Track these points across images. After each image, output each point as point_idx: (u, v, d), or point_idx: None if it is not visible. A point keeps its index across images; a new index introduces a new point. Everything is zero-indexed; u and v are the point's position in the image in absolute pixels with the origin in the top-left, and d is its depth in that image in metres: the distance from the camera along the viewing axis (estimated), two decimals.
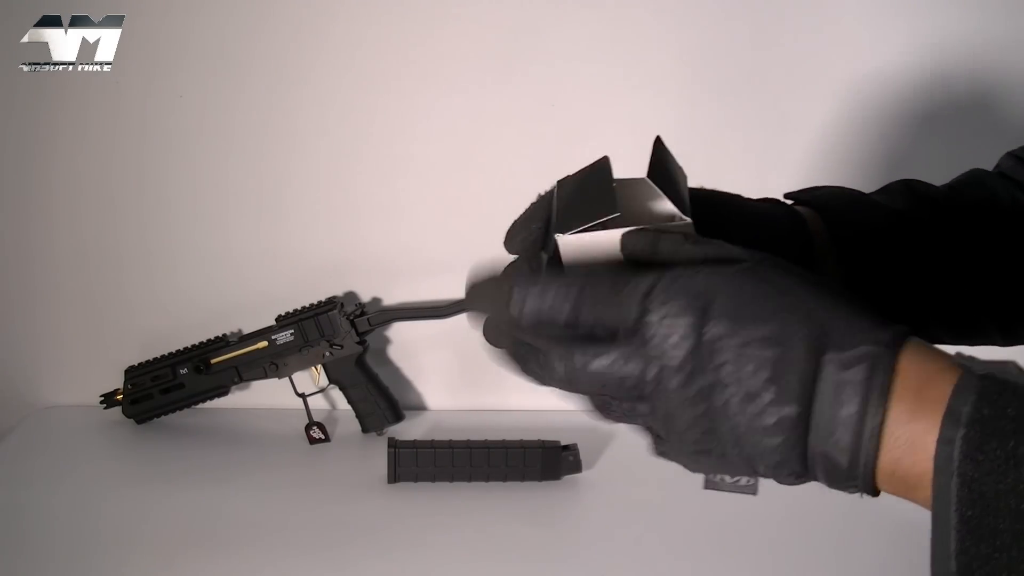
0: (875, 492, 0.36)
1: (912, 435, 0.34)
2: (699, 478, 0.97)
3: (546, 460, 0.98)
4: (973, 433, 0.33)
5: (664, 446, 0.40)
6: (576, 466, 0.98)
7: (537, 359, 0.41)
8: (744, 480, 0.40)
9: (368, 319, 1.09)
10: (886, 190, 0.55)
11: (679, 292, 0.37)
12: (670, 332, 0.36)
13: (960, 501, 0.33)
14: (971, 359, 0.35)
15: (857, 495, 0.37)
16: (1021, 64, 1.02)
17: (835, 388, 0.35)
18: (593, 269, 0.39)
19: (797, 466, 0.36)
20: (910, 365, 0.35)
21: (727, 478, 0.40)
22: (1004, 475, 0.32)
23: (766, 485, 0.89)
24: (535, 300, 0.40)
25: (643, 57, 1.03)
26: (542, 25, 1.02)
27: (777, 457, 0.36)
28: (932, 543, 0.34)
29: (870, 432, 0.34)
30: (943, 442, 0.33)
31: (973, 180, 0.57)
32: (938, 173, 1.03)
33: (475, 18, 1.02)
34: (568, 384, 0.39)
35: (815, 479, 0.37)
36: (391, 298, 1.14)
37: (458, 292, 1.08)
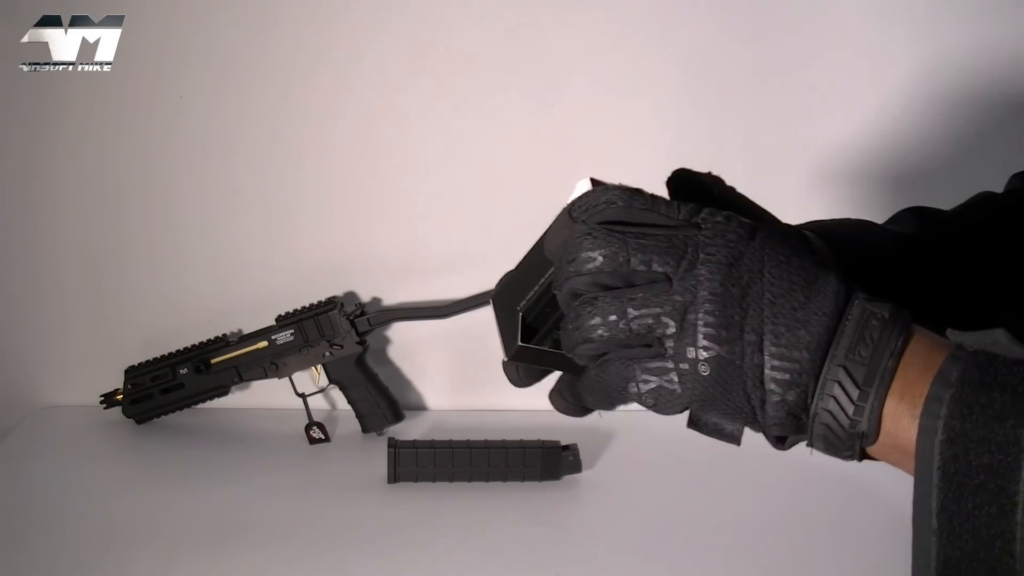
0: (876, 427, 0.36)
1: (927, 372, 0.35)
2: (700, 479, 0.97)
3: (546, 460, 0.98)
4: (962, 392, 0.34)
5: (659, 361, 0.38)
6: (576, 466, 0.98)
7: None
8: (729, 427, 0.39)
9: (368, 319, 1.09)
10: (894, 219, 0.55)
11: (728, 215, 0.39)
12: (725, 225, 0.38)
13: (944, 458, 0.34)
14: (963, 333, 0.36)
15: (847, 457, 0.38)
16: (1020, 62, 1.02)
17: (861, 314, 0.37)
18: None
19: (812, 380, 0.37)
20: (919, 330, 0.37)
21: (711, 421, 0.39)
22: (990, 430, 0.33)
23: (766, 485, 0.89)
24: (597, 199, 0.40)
25: (643, 58, 1.03)
26: (542, 26, 1.02)
27: (799, 361, 0.37)
28: (914, 501, 0.35)
29: (892, 348, 0.36)
30: (931, 400, 0.34)
31: (981, 200, 0.57)
32: (939, 173, 1.03)
33: (476, 19, 1.02)
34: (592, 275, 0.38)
35: (805, 431, 0.38)
36: (391, 298, 1.14)
37: (458, 292, 1.09)
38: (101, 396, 1.13)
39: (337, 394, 1.15)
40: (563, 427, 1.01)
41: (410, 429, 1.11)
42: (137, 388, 1.12)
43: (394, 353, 1.17)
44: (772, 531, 0.90)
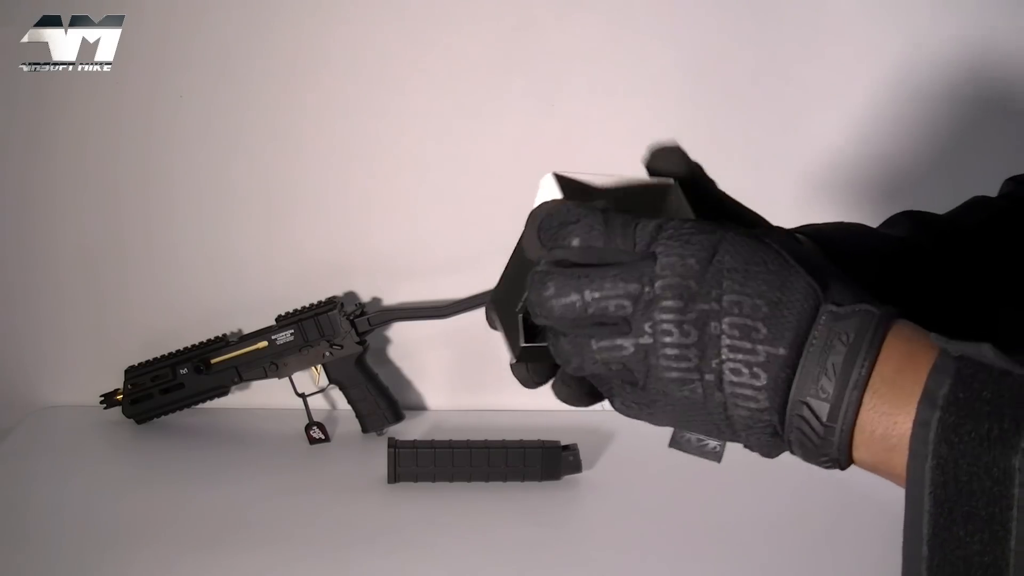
0: (848, 457, 0.36)
1: (895, 395, 0.35)
2: (699, 479, 0.97)
3: (546, 460, 0.98)
4: (948, 416, 0.33)
5: (633, 395, 0.39)
6: (576, 466, 0.98)
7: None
8: (711, 444, 0.39)
9: (368, 319, 1.09)
10: (889, 222, 0.54)
11: (692, 228, 0.37)
12: (682, 252, 0.37)
13: (935, 484, 0.33)
14: (947, 340, 0.35)
15: (827, 465, 0.37)
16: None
17: (827, 336, 0.35)
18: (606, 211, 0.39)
19: (775, 416, 0.36)
20: (900, 331, 0.36)
21: (694, 439, 0.40)
22: (978, 457, 0.32)
23: (765, 485, 0.89)
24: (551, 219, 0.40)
25: (643, 57, 1.03)
26: (542, 25, 1.02)
27: (758, 403, 0.36)
28: (905, 527, 0.34)
29: (855, 381, 0.35)
30: (919, 424, 0.33)
31: (976, 204, 0.56)
32: (938, 175, 1.03)
33: (475, 19, 1.02)
34: (560, 313, 0.38)
35: (788, 445, 0.37)
36: (391, 298, 1.14)
37: (458, 292, 1.09)
38: (101, 396, 1.13)
39: (337, 394, 1.15)
40: (563, 427, 1.02)
41: (410, 429, 1.11)
42: (137, 388, 1.12)
43: (394, 353, 1.17)
44: (771, 531, 0.90)
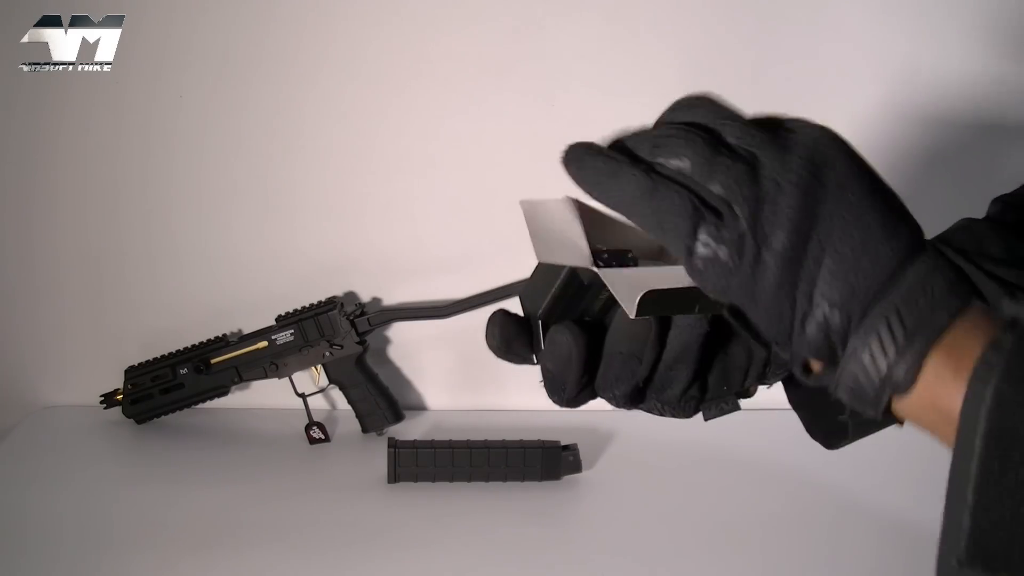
0: (910, 385, 0.35)
1: (972, 342, 0.34)
2: (700, 479, 0.97)
3: (546, 460, 0.98)
4: (1014, 361, 0.32)
5: (727, 231, 0.36)
6: (576, 466, 0.98)
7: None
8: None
9: (368, 319, 1.09)
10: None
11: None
12: (816, 132, 0.37)
13: (989, 426, 0.32)
14: (1019, 305, 0.35)
15: (874, 402, 0.35)
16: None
17: (930, 269, 0.35)
18: None
19: (846, 318, 0.35)
20: (979, 302, 0.36)
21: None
22: None
23: (765, 486, 0.89)
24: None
25: (643, 57, 1.03)
26: (542, 25, 1.02)
27: (841, 293, 0.35)
28: (951, 469, 0.33)
29: (948, 310, 0.34)
30: (982, 364, 0.33)
31: (960, 228, 0.56)
32: (943, 174, 1.03)
33: (475, 18, 1.02)
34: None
35: (836, 364, 0.36)
36: (391, 298, 1.14)
37: (458, 292, 1.09)
38: (101, 396, 1.13)
39: (337, 394, 1.16)
40: (563, 427, 1.02)
41: (410, 429, 1.11)
42: (137, 388, 1.12)
43: (394, 353, 1.17)
44: (771, 531, 0.90)
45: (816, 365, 0.38)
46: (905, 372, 0.34)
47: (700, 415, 0.44)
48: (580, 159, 0.40)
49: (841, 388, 0.36)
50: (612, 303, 0.42)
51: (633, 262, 0.41)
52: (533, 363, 0.44)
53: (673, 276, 0.38)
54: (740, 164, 0.36)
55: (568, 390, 0.43)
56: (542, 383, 0.44)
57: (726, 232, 0.36)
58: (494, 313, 0.44)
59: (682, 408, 0.43)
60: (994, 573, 0.31)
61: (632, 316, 0.37)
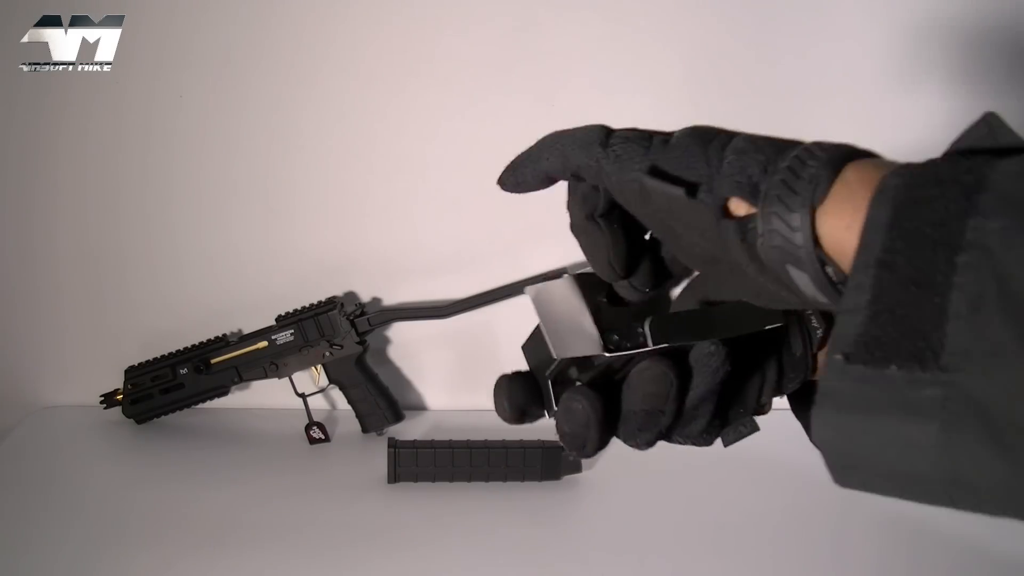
0: (826, 190, 0.33)
1: (878, 164, 0.33)
2: (700, 479, 0.97)
3: (546, 460, 0.98)
4: (928, 164, 0.30)
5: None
6: (576, 466, 0.98)
7: None
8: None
9: (368, 319, 1.09)
10: None
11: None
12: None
13: (896, 205, 0.30)
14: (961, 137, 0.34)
15: (799, 230, 0.33)
16: None
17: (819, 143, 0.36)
18: None
19: (760, 163, 0.35)
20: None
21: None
22: (949, 176, 0.29)
23: (765, 486, 0.89)
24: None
25: (644, 57, 1.03)
26: (542, 25, 1.02)
27: (749, 147, 0.37)
28: (851, 271, 0.30)
29: (843, 150, 0.34)
30: (894, 174, 0.31)
31: None
32: None
33: (476, 18, 1.02)
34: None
35: (758, 200, 0.35)
36: (391, 298, 1.14)
37: (458, 292, 1.09)
38: (101, 396, 1.13)
39: (337, 394, 1.16)
40: None
41: (410, 429, 1.11)
42: (137, 388, 1.12)
43: (394, 353, 1.17)
44: (771, 531, 0.90)
45: (739, 207, 0.36)
46: (820, 179, 0.33)
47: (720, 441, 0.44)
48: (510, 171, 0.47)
49: (766, 224, 0.34)
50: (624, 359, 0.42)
51: (644, 339, 0.40)
52: (547, 418, 0.43)
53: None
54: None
55: (588, 449, 0.41)
56: (559, 439, 0.43)
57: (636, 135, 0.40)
58: (498, 381, 0.43)
59: (703, 440, 0.43)
60: (883, 366, 0.28)
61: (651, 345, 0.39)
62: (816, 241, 0.32)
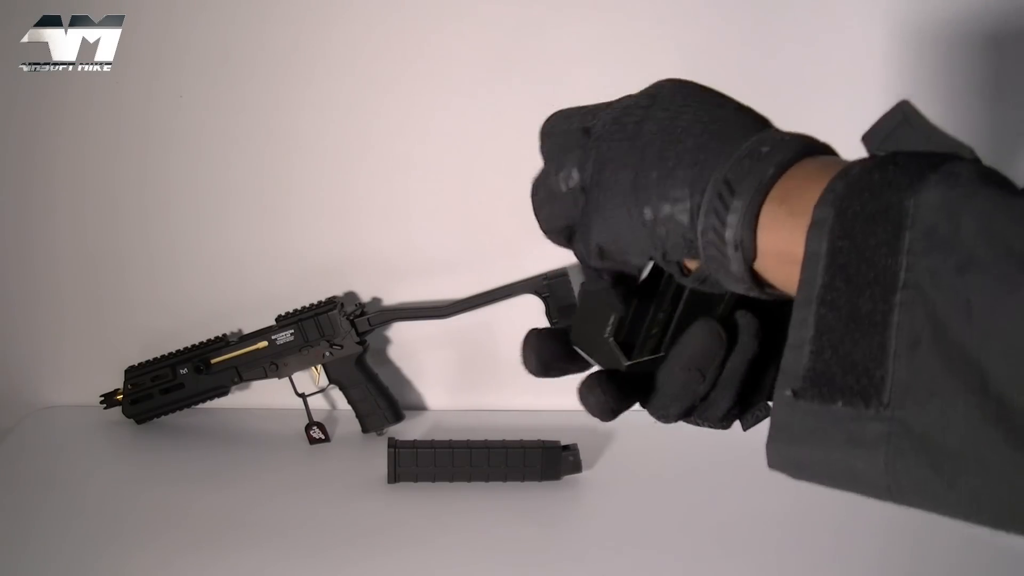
0: (752, 241, 0.33)
1: (811, 183, 0.33)
2: (700, 479, 0.97)
3: (546, 460, 0.98)
4: (856, 179, 0.31)
5: (588, 207, 0.40)
6: (576, 466, 0.98)
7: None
8: (635, 259, 0.39)
9: (368, 319, 1.09)
10: None
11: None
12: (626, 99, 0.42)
13: (833, 241, 0.30)
14: (875, 125, 0.34)
15: (737, 274, 0.34)
16: None
17: (760, 139, 0.35)
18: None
19: (698, 195, 0.35)
20: (829, 156, 0.36)
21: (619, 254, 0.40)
22: (879, 199, 0.30)
23: (766, 485, 0.88)
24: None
25: (644, 57, 1.03)
26: (543, 25, 1.02)
27: (669, 203, 0.36)
28: (795, 307, 0.31)
29: (776, 163, 0.34)
30: (828, 191, 0.31)
31: None
32: None
33: (475, 18, 1.02)
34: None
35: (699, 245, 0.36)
36: (391, 298, 1.14)
37: (458, 292, 1.09)
38: (101, 396, 1.13)
39: (337, 394, 1.16)
40: (563, 427, 1.02)
41: (410, 429, 1.11)
42: (137, 388, 1.12)
43: (394, 353, 1.17)
44: (771, 531, 0.90)
45: (691, 264, 0.37)
46: (741, 230, 0.34)
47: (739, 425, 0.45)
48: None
49: (709, 267, 0.36)
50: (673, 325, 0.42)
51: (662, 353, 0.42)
52: (574, 373, 0.44)
53: None
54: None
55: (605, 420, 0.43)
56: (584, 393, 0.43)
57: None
58: (528, 334, 0.45)
59: (722, 424, 0.43)
60: (830, 402, 0.30)
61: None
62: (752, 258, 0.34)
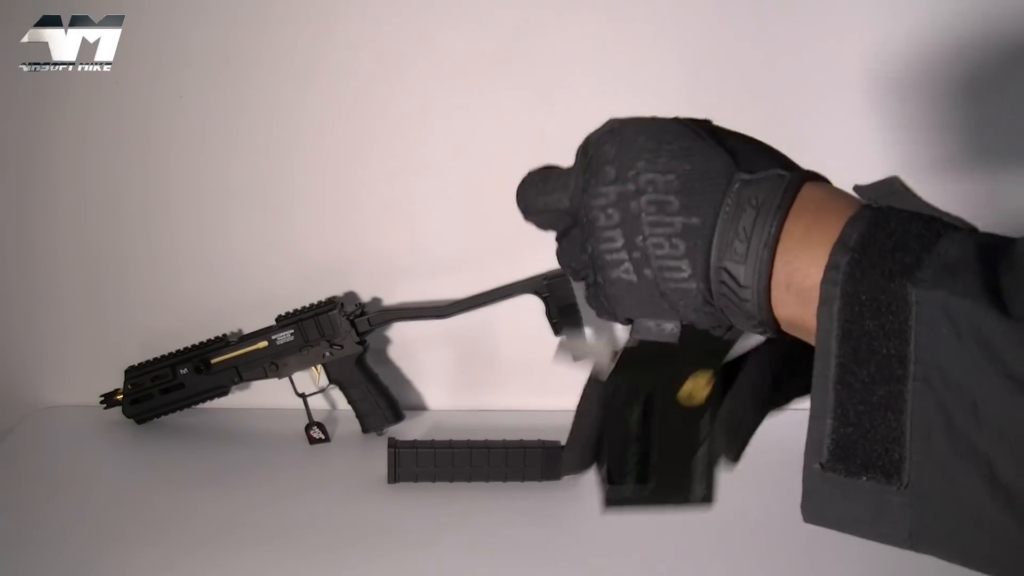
0: (771, 318, 0.36)
1: (807, 249, 0.35)
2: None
3: (546, 460, 0.98)
4: (857, 256, 0.33)
5: (593, 288, 0.41)
6: None
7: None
8: (667, 327, 0.40)
9: (368, 319, 1.09)
10: None
11: (609, 125, 0.41)
12: (599, 142, 0.40)
13: (842, 323, 0.33)
14: (863, 187, 0.36)
15: (759, 330, 0.37)
16: None
17: (738, 202, 0.36)
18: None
19: (702, 284, 0.37)
20: (813, 191, 0.36)
21: (652, 325, 0.40)
22: (881, 292, 0.32)
23: (767, 485, 0.89)
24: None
25: (643, 57, 1.03)
26: (542, 25, 1.02)
27: (682, 272, 0.37)
28: (813, 381, 0.34)
29: (765, 240, 0.35)
30: (830, 268, 0.33)
31: None
32: (944, 168, 1.03)
33: (476, 18, 1.02)
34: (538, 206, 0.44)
35: (720, 312, 0.38)
36: (391, 298, 1.14)
37: (458, 292, 1.09)
38: (101, 396, 1.13)
39: (337, 394, 1.16)
40: (563, 427, 1.01)
41: (410, 429, 1.11)
42: (137, 388, 1.12)
43: (394, 353, 1.17)
44: (772, 531, 0.90)
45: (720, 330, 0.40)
46: (757, 303, 0.36)
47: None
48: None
49: (730, 319, 0.38)
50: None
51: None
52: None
53: None
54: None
55: None
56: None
57: (591, 288, 0.42)
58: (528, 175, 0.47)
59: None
60: (855, 477, 0.33)
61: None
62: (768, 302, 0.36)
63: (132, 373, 1.12)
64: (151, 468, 1.05)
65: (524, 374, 1.12)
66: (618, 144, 0.39)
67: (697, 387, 0.46)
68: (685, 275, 0.37)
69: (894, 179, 0.34)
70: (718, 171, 0.37)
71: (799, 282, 0.35)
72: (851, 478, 0.33)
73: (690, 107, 1.10)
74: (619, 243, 0.38)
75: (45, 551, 0.89)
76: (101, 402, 1.13)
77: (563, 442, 1.01)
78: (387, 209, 1.10)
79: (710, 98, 1.04)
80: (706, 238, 0.36)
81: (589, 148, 0.40)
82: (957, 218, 0.33)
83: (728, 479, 1.04)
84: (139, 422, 1.13)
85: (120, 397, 1.12)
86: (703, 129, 0.39)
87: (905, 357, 0.31)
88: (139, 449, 1.09)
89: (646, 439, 0.45)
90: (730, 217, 0.36)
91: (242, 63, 1.05)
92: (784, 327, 0.37)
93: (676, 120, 0.39)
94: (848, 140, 1.04)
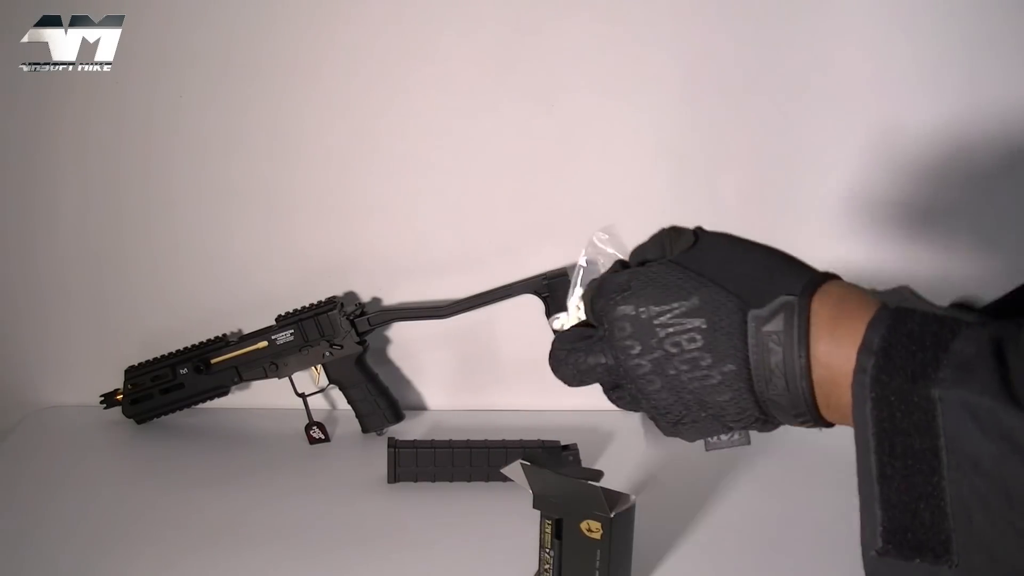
0: (828, 423, 0.42)
1: (833, 371, 0.39)
2: (699, 479, 0.98)
3: (546, 460, 0.97)
4: (881, 359, 0.36)
5: (663, 423, 0.46)
6: (576, 466, 0.98)
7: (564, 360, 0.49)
8: (735, 436, 0.46)
9: (368, 319, 1.09)
10: None
11: (606, 289, 0.45)
12: (614, 321, 0.44)
13: (875, 423, 0.36)
14: (878, 291, 0.40)
15: (817, 429, 0.43)
16: None
17: (760, 341, 0.40)
18: None
19: (756, 411, 0.42)
20: (823, 308, 0.40)
21: (721, 438, 0.46)
22: (908, 393, 0.35)
23: (766, 485, 0.89)
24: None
25: (643, 57, 1.03)
26: (542, 26, 1.02)
27: (735, 409, 0.42)
28: (858, 474, 0.38)
29: (799, 373, 0.40)
30: (858, 372, 0.37)
31: None
32: (944, 170, 1.03)
33: (476, 19, 1.02)
34: (577, 377, 0.48)
35: (779, 421, 0.43)
36: (391, 298, 1.14)
37: (458, 292, 1.09)
38: (101, 396, 1.13)
39: (337, 394, 1.16)
40: (563, 427, 1.02)
41: (410, 429, 1.11)
42: (137, 388, 1.12)
43: (394, 353, 1.17)
44: (772, 531, 0.90)
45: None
46: (813, 420, 0.42)
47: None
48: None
49: (782, 420, 0.43)
50: None
51: None
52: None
53: None
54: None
55: None
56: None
57: (662, 423, 0.47)
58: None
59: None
60: (909, 559, 0.36)
61: None
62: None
63: (132, 373, 1.12)
64: (151, 468, 1.05)
65: (524, 374, 1.13)
66: (631, 320, 0.43)
67: (593, 526, 0.61)
68: (741, 407, 0.42)
69: (904, 288, 0.38)
70: (732, 319, 0.41)
71: (837, 400, 0.40)
72: (906, 560, 0.37)
73: (688, 108, 1.10)
74: (671, 400, 0.44)
75: (45, 551, 0.89)
76: (101, 402, 1.13)
77: (563, 442, 1.02)
78: (387, 209, 1.10)
79: (708, 99, 1.04)
80: (746, 380, 0.41)
81: (604, 321, 0.45)
82: (968, 312, 0.37)
83: (728, 479, 1.04)
84: (139, 422, 1.13)
85: (120, 397, 1.12)
86: (695, 260, 0.43)
87: (937, 448, 0.35)
88: (139, 449, 1.09)
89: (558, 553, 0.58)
90: (759, 359, 0.41)
91: (242, 63, 1.05)
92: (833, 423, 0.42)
93: (671, 264, 0.44)
94: (848, 140, 1.04)
